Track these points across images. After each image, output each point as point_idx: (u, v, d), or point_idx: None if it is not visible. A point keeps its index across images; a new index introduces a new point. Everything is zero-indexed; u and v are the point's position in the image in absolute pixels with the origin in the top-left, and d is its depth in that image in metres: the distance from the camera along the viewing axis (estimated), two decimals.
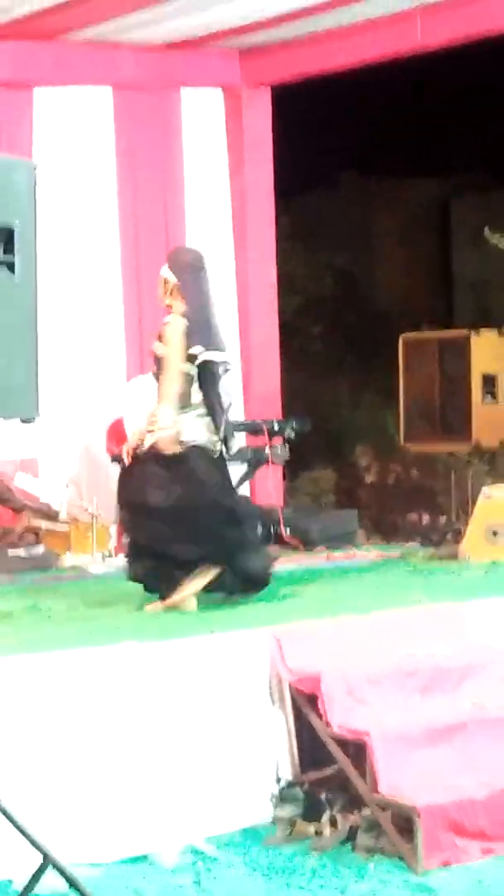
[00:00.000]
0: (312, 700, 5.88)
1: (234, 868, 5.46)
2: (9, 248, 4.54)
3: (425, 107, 15.33)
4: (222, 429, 7.06)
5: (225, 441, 7.12)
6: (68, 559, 9.12)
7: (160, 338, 7.13)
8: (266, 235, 10.92)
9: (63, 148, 10.21)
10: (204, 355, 7.01)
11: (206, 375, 7.04)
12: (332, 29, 9.85)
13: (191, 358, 7.02)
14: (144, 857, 5.53)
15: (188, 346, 7.00)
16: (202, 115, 10.81)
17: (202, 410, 7.07)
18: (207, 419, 7.06)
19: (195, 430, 7.04)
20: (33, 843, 4.60)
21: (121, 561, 8.94)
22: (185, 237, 10.72)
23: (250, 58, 10.61)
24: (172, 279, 7.14)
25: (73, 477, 9.91)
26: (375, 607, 6.95)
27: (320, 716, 5.83)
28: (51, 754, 5.47)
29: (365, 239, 17.10)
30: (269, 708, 5.99)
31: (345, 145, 16.20)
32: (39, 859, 4.61)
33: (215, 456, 7.08)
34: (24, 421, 4.74)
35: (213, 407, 7.04)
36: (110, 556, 9.16)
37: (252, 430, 9.64)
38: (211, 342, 7.06)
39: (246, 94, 10.78)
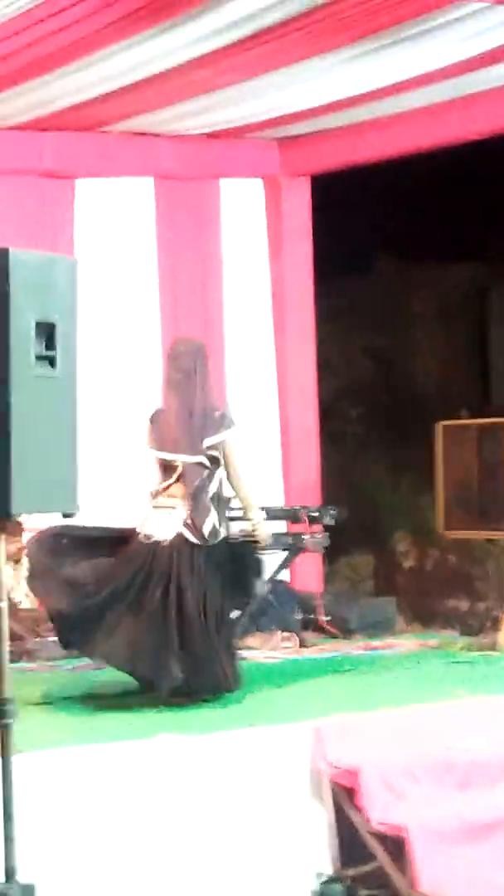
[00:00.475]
0: (351, 794, 5.84)
1: None
2: (50, 344, 4.60)
3: (464, 192, 15.41)
4: None
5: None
6: None
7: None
8: (305, 321, 10.98)
9: (104, 237, 10.31)
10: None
11: None
12: (369, 120, 9.94)
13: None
14: None
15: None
16: (242, 204, 10.91)
17: None
18: None
19: None
20: None
21: None
22: (223, 324, 10.79)
23: (289, 148, 10.71)
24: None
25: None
26: (414, 699, 6.92)
27: (359, 810, 5.78)
28: (86, 846, 5.45)
29: (402, 323, 17.14)
30: (309, 802, 5.95)
31: (383, 230, 16.26)
32: None
33: None
34: (65, 516, 4.78)
35: None
36: None
37: (291, 517, 9.64)
38: None
39: (285, 184, 10.88)
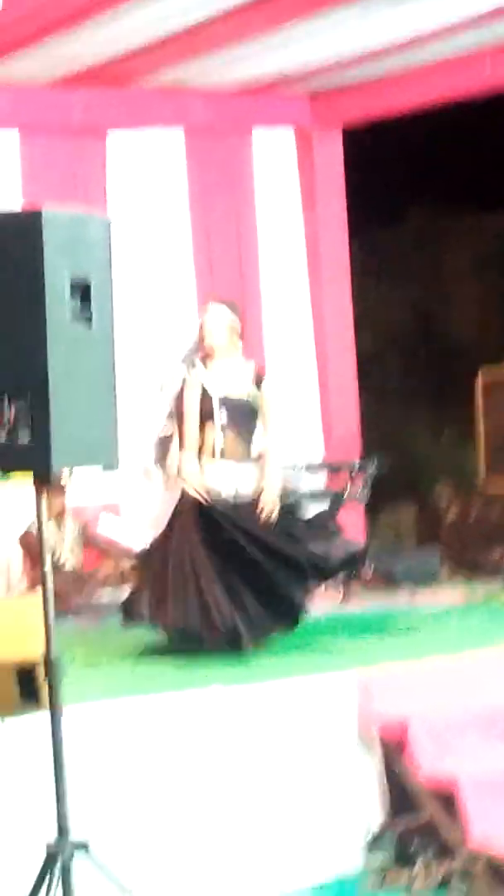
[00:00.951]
0: (400, 747, 5.83)
1: None
2: (85, 302, 4.57)
3: (496, 142, 15.28)
4: None
5: None
6: None
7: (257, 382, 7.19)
8: (341, 274, 10.91)
9: (136, 191, 10.27)
10: None
11: None
12: (401, 70, 9.85)
13: None
14: None
15: None
16: (274, 157, 10.84)
17: None
18: None
19: None
20: (125, 892, 4.58)
21: None
22: (259, 278, 10.75)
23: (320, 100, 10.63)
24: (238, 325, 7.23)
25: (155, 520, 9.92)
26: (460, 648, 6.89)
27: (408, 763, 5.77)
28: (140, 801, 5.47)
29: (438, 274, 17.03)
30: (358, 753, 5.95)
31: (416, 182, 16.15)
32: None
33: None
34: (105, 468, 4.77)
35: None
36: None
37: (332, 469, 9.62)
38: None
39: (317, 137, 10.80)
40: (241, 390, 7.20)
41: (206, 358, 7.28)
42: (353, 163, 11.20)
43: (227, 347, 7.24)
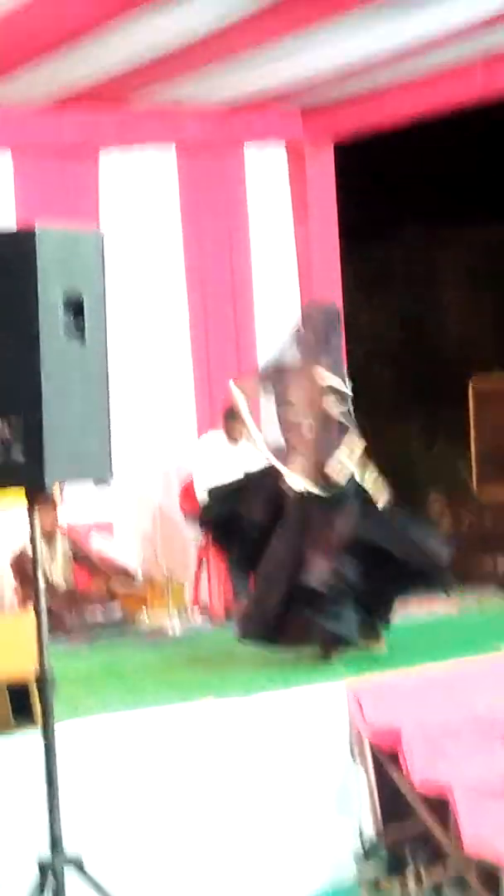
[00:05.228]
0: (393, 755, 5.87)
1: None
2: (79, 317, 4.62)
3: (488, 154, 15.35)
4: None
5: None
6: (145, 619, 9.16)
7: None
8: (332, 287, 10.96)
9: (129, 210, 10.32)
10: None
11: None
12: (391, 83, 9.90)
13: None
14: None
15: None
16: (266, 172, 10.90)
17: None
18: None
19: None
20: None
21: (198, 619, 9.00)
22: (251, 293, 10.80)
23: (311, 115, 10.68)
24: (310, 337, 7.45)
25: (147, 537, 9.97)
26: (452, 656, 6.93)
27: (401, 771, 5.81)
28: (133, 815, 5.50)
29: (430, 287, 17.11)
30: (349, 763, 5.98)
31: (407, 194, 16.22)
32: None
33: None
34: (97, 483, 4.81)
35: None
36: (186, 611, 9.20)
37: None
38: None
39: (308, 152, 10.86)
40: None
41: None
42: (344, 177, 11.26)
43: None
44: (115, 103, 9.88)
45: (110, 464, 4.75)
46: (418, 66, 9.53)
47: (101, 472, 4.75)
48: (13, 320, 4.46)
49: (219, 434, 9.77)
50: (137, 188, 10.36)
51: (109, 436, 4.74)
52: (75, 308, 4.61)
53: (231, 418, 8.76)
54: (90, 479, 4.82)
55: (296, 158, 10.92)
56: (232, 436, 9.56)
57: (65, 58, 8.63)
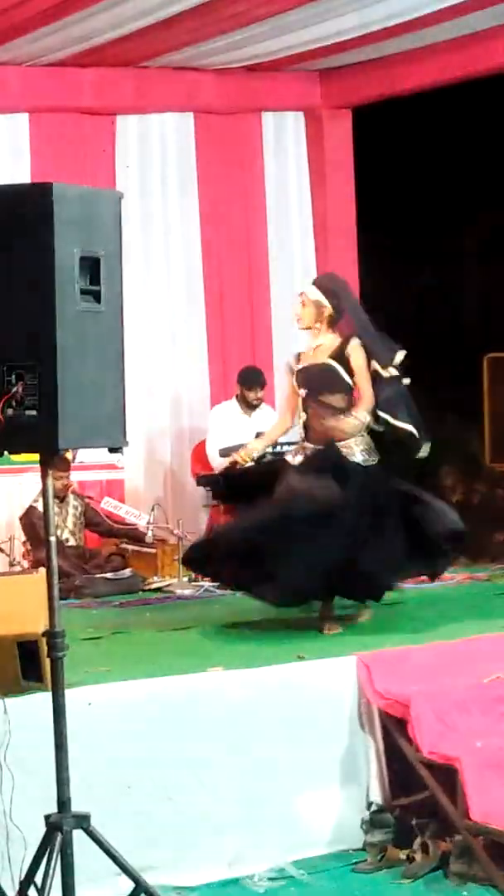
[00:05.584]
0: (402, 725, 5.85)
1: (325, 894, 5.44)
2: (95, 278, 4.58)
3: None
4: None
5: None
6: (155, 582, 9.16)
7: (338, 358, 7.19)
8: (348, 255, 10.92)
9: (146, 174, 10.27)
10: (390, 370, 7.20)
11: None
12: (410, 49, 9.83)
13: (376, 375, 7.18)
14: (235, 881, 5.54)
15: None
16: (283, 137, 10.85)
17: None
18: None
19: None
20: (125, 869, 4.62)
21: (206, 583, 8.98)
22: (267, 258, 10.76)
23: (330, 80, 10.62)
24: (328, 305, 7.22)
25: (158, 499, 9.96)
26: (463, 632, 6.91)
27: (410, 741, 5.80)
28: (140, 780, 5.50)
29: (446, 257, 17.00)
30: (358, 733, 5.97)
31: (426, 162, 16.10)
32: (131, 886, 4.63)
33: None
34: (112, 450, 4.77)
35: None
36: (196, 578, 9.19)
37: None
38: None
39: (326, 116, 10.80)
40: None
41: None
42: (362, 142, 11.18)
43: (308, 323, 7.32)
44: (133, 65, 9.83)
45: (124, 430, 4.70)
46: (439, 31, 9.46)
47: (114, 438, 4.71)
48: (30, 278, 4.42)
49: (233, 402, 9.75)
50: (154, 152, 10.31)
51: (124, 399, 4.69)
52: (92, 269, 4.56)
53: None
54: (104, 445, 4.79)
55: (314, 124, 10.87)
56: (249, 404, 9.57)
57: (82, 18, 8.57)
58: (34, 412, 4.41)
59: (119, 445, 4.74)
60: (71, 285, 4.48)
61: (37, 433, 4.45)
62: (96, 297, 4.58)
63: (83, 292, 4.53)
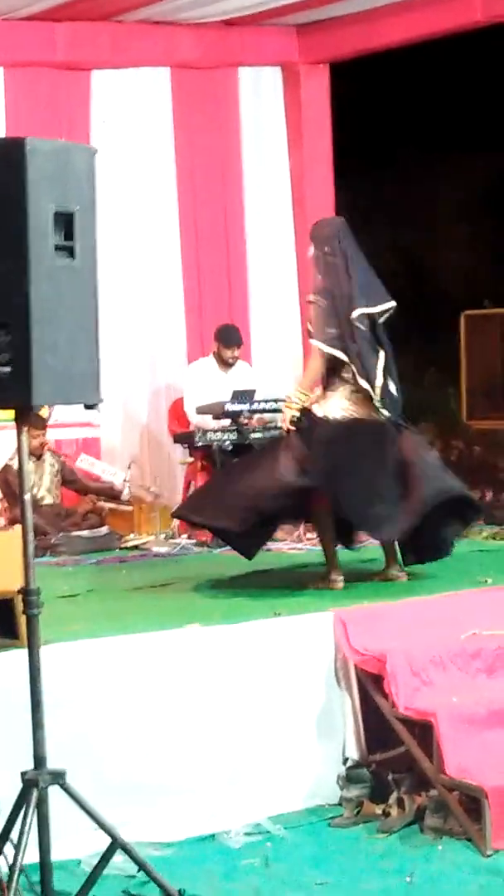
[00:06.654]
0: (378, 681, 5.87)
1: (302, 848, 5.46)
2: (69, 233, 4.54)
3: (488, 79, 15.18)
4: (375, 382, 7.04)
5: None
6: (132, 539, 9.17)
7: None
8: (325, 211, 10.79)
9: (121, 129, 10.21)
10: (354, 313, 7.05)
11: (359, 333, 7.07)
12: (389, 4, 9.76)
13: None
14: (212, 837, 5.55)
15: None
16: (260, 92, 10.78)
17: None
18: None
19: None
20: (101, 825, 4.62)
21: (184, 540, 8.99)
22: (244, 216, 10.72)
23: (308, 34, 10.55)
24: (317, 254, 7.17)
25: (135, 457, 9.95)
26: (440, 588, 6.93)
27: (386, 696, 5.82)
28: (117, 737, 5.50)
29: (426, 216, 16.98)
30: (334, 689, 5.99)
31: (404, 121, 16.06)
32: (108, 841, 4.64)
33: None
34: (87, 407, 4.76)
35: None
36: (173, 535, 9.20)
37: None
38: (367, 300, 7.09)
39: (304, 71, 10.73)
40: None
41: None
42: (341, 102, 11.14)
43: None
44: (108, 20, 9.74)
45: (99, 386, 4.68)
46: None
47: (90, 395, 4.68)
48: (2, 233, 4.38)
49: (209, 359, 9.73)
50: (130, 107, 10.24)
51: (98, 356, 4.67)
52: (66, 222, 4.52)
53: None
54: (79, 402, 4.76)
55: (291, 80, 10.81)
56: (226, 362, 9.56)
57: None
58: (8, 368, 4.38)
59: (94, 402, 4.71)
60: (45, 240, 4.45)
61: (11, 390, 4.42)
62: (70, 252, 4.54)
63: (57, 248, 4.49)
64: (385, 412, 7.07)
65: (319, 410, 7.06)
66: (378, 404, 7.05)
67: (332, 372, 7.10)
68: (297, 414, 7.03)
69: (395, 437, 7.11)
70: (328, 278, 7.13)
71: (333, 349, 7.04)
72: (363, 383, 7.03)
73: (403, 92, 15.63)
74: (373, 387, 7.02)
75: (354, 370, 7.04)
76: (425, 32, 9.98)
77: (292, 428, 7.03)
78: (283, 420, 7.14)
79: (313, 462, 6.92)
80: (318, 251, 7.18)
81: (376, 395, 7.03)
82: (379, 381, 7.04)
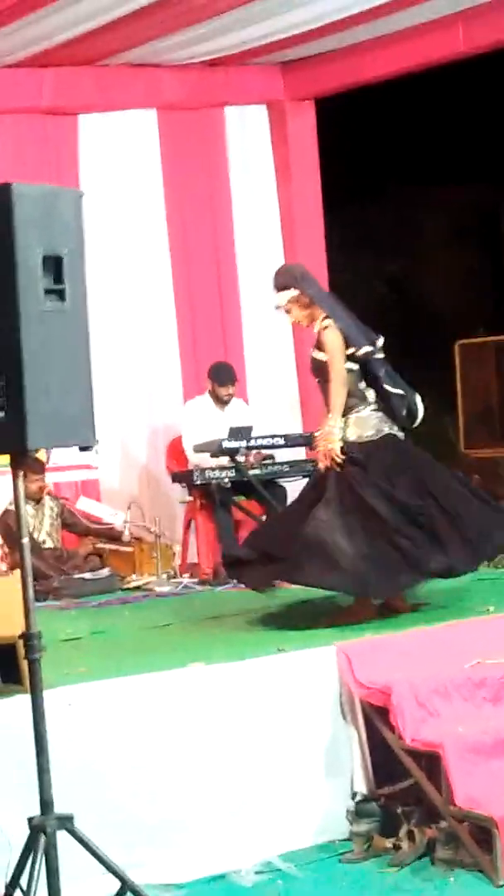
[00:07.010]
0: (384, 713, 5.85)
1: (314, 886, 5.43)
2: (58, 277, 4.56)
3: (472, 111, 15.26)
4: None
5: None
6: (134, 580, 9.16)
7: (320, 347, 7.14)
8: (316, 247, 10.92)
9: (110, 172, 10.25)
10: (364, 349, 7.11)
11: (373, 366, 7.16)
12: (372, 39, 9.83)
13: (352, 357, 7.10)
14: (222, 876, 5.53)
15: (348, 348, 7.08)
16: (247, 131, 10.83)
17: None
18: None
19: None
20: (110, 868, 4.60)
21: (186, 579, 8.98)
22: (235, 253, 10.75)
23: (292, 71, 10.62)
24: (305, 292, 7.16)
25: (134, 497, 9.95)
26: (442, 618, 6.92)
27: (392, 729, 5.80)
28: (124, 778, 5.48)
29: (415, 246, 17.05)
30: (340, 723, 5.97)
31: (391, 153, 16.14)
32: (118, 884, 4.61)
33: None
34: (82, 449, 4.76)
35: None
36: (175, 575, 9.19)
37: (310, 442, 9.61)
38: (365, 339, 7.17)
39: (289, 108, 10.79)
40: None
41: None
42: (328, 137, 11.20)
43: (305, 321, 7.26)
44: (93, 64, 9.80)
45: (93, 428, 4.69)
46: (400, 20, 9.46)
47: (84, 437, 4.69)
48: None
49: (206, 397, 9.74)
50: (118, 149, 10.29)
51: (92, 398, 4.68)
52: (55, 268, 4.54)
53: None
54: (74, 444, 4.77)
55: (277, 117, 10.87)
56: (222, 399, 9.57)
57: (38, 18, 8.55)
58: (1, 413, 4.39)
59: (89, 444, 4.72)
60: (34, 285, 4.46)
61: (5, 434, 4.43)
62: (60, 295, 4.55)
63: (47, 291, 4.51)
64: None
65: (352, 434, 7.08)
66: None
67: (349, 394, 7.15)
68: (342, 444, 7.05)
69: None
70: (324, 304, 7.18)
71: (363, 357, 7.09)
72: (391, 389, 7.19)
73: (390, 124, 15.70)
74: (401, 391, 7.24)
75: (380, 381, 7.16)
76: (408, 65, 10.04)
77: (339, 459, 7.03)
78: (325, 456, 7.10)
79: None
80: (297, 288, 7.19)
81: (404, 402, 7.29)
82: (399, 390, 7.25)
